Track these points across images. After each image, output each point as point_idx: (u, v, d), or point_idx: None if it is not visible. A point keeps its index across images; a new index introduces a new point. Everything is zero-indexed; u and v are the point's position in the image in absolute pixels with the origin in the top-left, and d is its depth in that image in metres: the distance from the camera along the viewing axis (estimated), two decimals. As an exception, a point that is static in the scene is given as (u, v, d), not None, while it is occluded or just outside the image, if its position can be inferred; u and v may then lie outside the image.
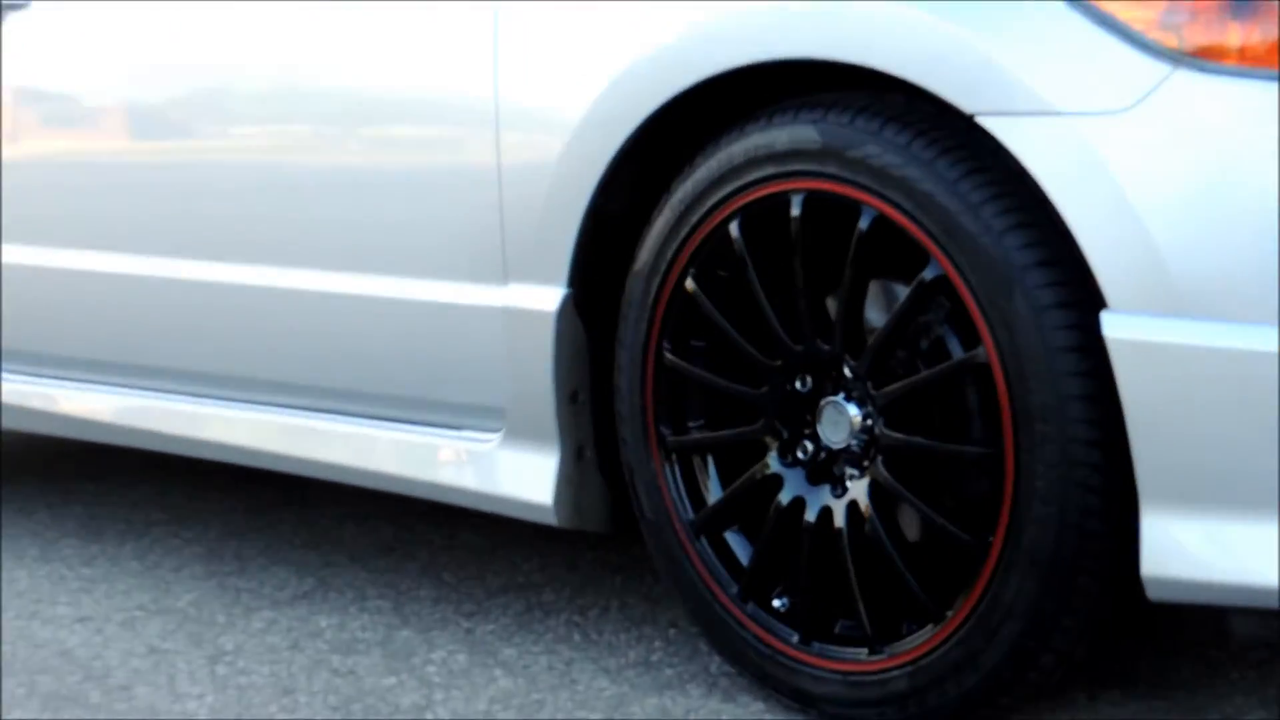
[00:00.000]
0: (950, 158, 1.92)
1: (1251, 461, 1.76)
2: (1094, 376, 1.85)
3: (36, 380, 3.02)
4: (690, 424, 2.23)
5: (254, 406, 2.73)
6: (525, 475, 2.35)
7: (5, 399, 3.04)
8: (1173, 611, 2.40)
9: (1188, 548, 1.81)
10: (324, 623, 2.59)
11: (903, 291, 2.00)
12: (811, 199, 2.03)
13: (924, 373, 2.00)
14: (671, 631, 2.48)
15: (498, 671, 2.36)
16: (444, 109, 2.42)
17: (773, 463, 2.15)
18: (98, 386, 2.95)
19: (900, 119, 1.96)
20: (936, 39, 1.89)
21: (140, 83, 2.81)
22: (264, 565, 2.88)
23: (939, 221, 1.92)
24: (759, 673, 2.17)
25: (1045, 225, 1.87)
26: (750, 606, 2.17)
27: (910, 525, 2.08)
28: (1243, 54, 1.76)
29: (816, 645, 2.11)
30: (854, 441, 2.07)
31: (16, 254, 2.96)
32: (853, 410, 2.07)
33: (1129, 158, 1.79)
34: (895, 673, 2.03)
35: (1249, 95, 1.75)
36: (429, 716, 2.21)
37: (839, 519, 2.09)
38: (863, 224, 1.99)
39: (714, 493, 2.22)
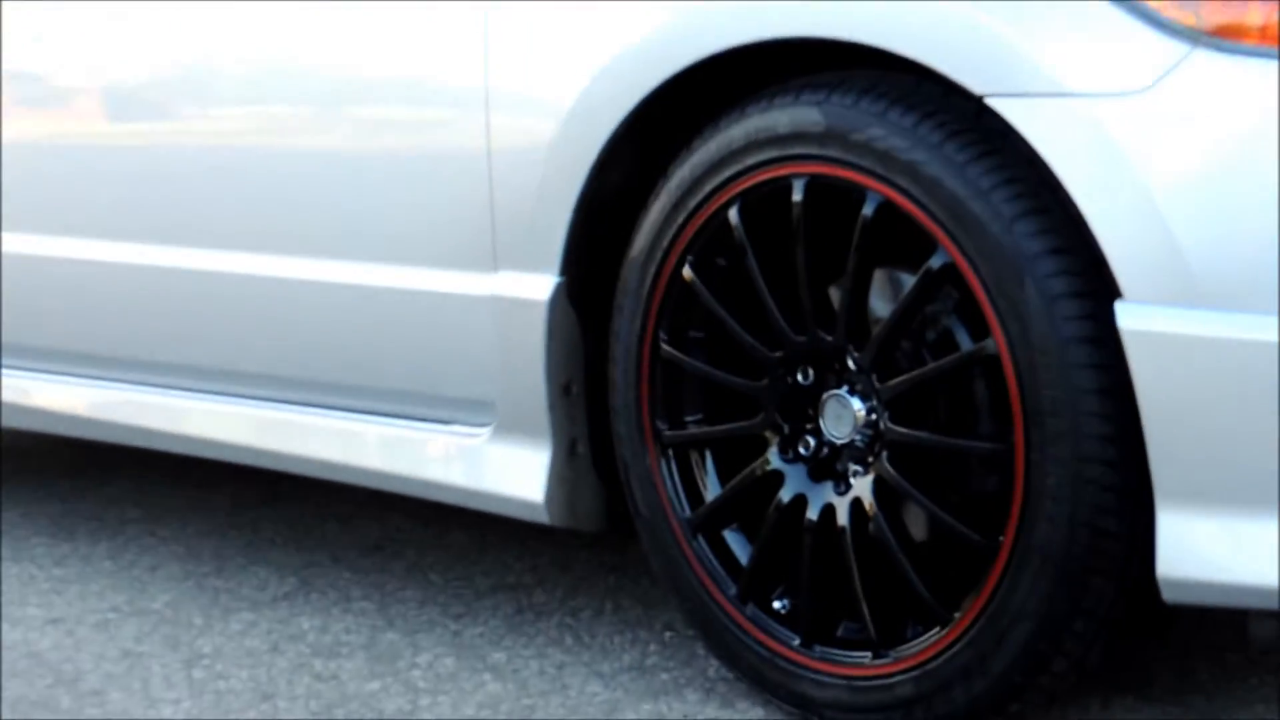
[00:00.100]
0: (959, 141, 1.92)
1: (1272, 459, 1.76)
2: (1108, 369, 1.85)
3: (8, 372, 3.02)
4: (687, 418, 2.23)
5: (234, 399, 2.73)
6: (516, 471, 2.35)
7: (-26, 392, 3.04)
8: (1190, 614, 2.40)
9: (1205, 547, 1.81)
10: (306, 625, 2.59)
11: (909, 280, 2.00)
12: (814, 184, 2.03)
13: (931, 365, 2.00)
14: (667, 634, 2.49)
15: (487, 676, 2.36)
16: (432, 90, 2.42)
17: (773, 459, 2.15)
18: (72, 379, 2.95)
19: (907, 100, 1.96)
20: (945, 16, 1.89)
21: (117, 62, 2.81)
22: (243, 565, 2.88)
23: (947, 207, 1.91)
24: (758, 677, 2.17)
25: (1057, 211, 1.87)
26: (749, 608, 2.17)
27: (916, 524, 2.08)
28: (1264, 33, 1.76)
29: (818, 648, 2.11)
30: (858, 436, 2.07)
31: (-15, 240, 2.96)
32: (857, 404, 2.07)
33: (1145, 141, 1.79)
34: (900, 677, 2.03)
35: (1270, 76, 1.75)
36: (415, 722, 2.22)
37: (842, 517, 2.09)
38: (867, 210, 1.99)
39: (712, 490, 2.21)
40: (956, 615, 1.98)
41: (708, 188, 2.12)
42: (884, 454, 2.04)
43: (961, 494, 2.05)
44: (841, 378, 2.09)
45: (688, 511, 2.22)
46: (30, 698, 2.35)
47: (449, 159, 2.38)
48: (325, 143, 2.56)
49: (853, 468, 2.09)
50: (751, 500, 2.17)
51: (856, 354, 2.05)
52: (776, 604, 2.16)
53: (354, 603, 2.68)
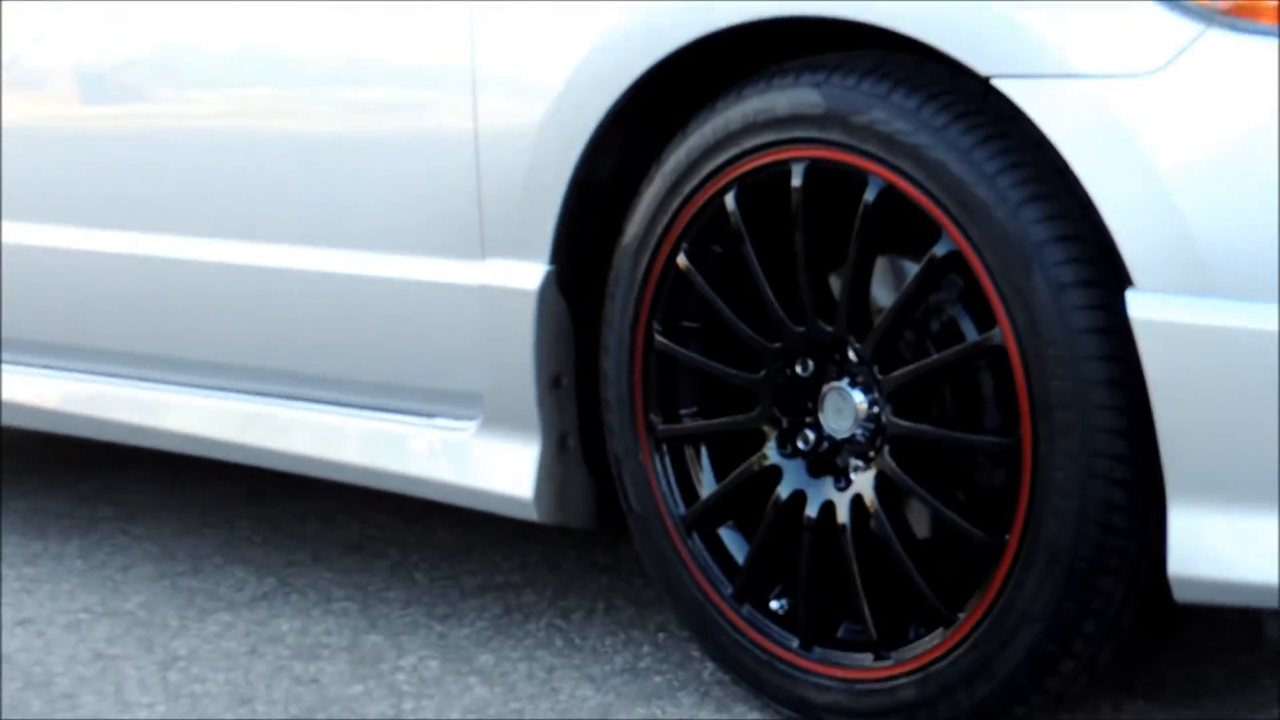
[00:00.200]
0: (964, 124, 1.92)
1: (1288, 453, 1.77)
2: (1118, 360, 1.85)
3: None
4: (682, 411, 2.23)
5: (211, 392, 2.73)
6: (504, 466, 2.35)
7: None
8: (1202, 614, 2.41)
9: (1218, 545, 1.81)
10: (285, 626, 2.59)
11: (912, 269, 2.01)
12: (814, 168, 2.03)
13: (935, 356, 2.00)
14: (661, 636, 2.49)
15: (473, 679, 2.36)
16: (417, 72, 2.42)
17: (771, 453, 2.15)
18: (42, 371, 2.94)
19: (910, 82, 1.96)
20: (950, -5, 1.90)
21: (92, 44, 2.80)
22: (220, 564, 2.88)
23: (951, 193, 1.92)
24: (755, 680, 2.17)
25: (1066, 197, 1.87)
26: (746, 609, 2.17)
27: (919, 521, 2.08)
28: (1280, 12, 1.76)
29: (818, 650, 2.11)
30: (859, 430, 2.07)
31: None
32: (858, 397, 2.07)
33: (1156, 124, 1.79)
34: (903, 680, 2.03)
35: (1287, 57, 1.76)
36: (399, 727, 2.23)
37: (842, 514, 2.09)
38: (869, 195, 1.99)
39: (707, 486, 2.22)
40: (961, 616, 1.98)
41: (704, 172, 2.12)
42: (886, 448, 2.04)
43: (966, 490, 2.05)
44: (842, 369, 2.09)
45: (682, 508, 2.22)
46: (-1, 701, 2.35)
47: (435, 143, 2.37)
48: (307, 127, 2.56)
49: (853, 463, 2.09)
50: (748, 497, 2.18)
51: (858, 345, 2.06)
52: (774, 604, 2.17)
53: (335, 603, 2.67)
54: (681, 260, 2.17)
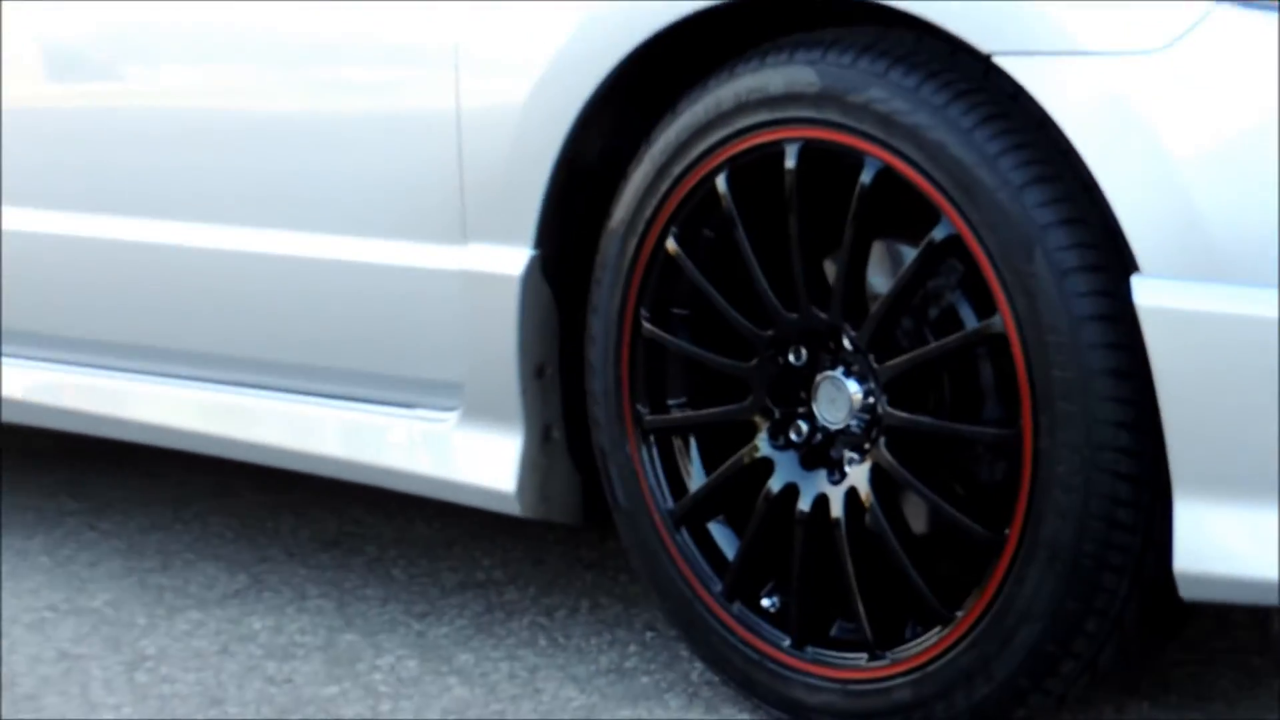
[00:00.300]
0: (964, 103, 1.92)
1: (1298, 445, 1.77)
2: (1123, 349, 1.85)
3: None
4: (670, 402, 2.23)
5: (181, 382, 2.73)
6: (485, 459, 2.35)
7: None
8: (1209, 613, 2.41)
9: (1227, 541, 1.81)
10: (258, 625, 2.58)
11: (910, 253, 2.00)
12: (808, 149, 2.03)
13: (933, 344, 2.00)
14: (648, 635, 2.49)
15: (452, 679, 2.36)
16: (396, 47, 2.41)
17: (762, 445, 2.15)
18: (4, 360, 2.93)
19: (909, 59, 1.96)
20: (950, -31, 1.89)
21: (53, 18, 2.79)
22: (191, 561, 2.88)
23: (951, 175, 1.91)
24: (745, 681, 2.17)
25: (1070, 179, 1.87)
26: (736, 606, 2.17)
27: (916, 516, 2.08)
28: (1292, -13, 1.76)
29: (810, 650, 2.11)
30: (854, 421, 2.07)
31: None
32: (853, 386, 2.07)
33: (1164, 103, 1.79)
34: (898, 681, 2.03)
35: (1299, 34, 1.76)
36: (375, 728, 2.22)
37: (836, 508, 2.09)
38: (865, 177, 1.99)
39: (696, 479, 2.22)
40: (959, 614, 1.98)
41: (694, 153, 2.12)
42: (882, 440, 2.04)
43: (965, 484, 2.05)
44: (837, 358, 2.09)
45: (670, 502, 2.22)
46: (-41, 701, 2.34)
47: (415, 122, 2.37)
48: (281, 106, 2.56)
49: (848, 455, 2.09)
50: (739, 490, 2.18)
51: (853, 333, 2.05)
52: (765, 602, 2.17)
53: (310, 601, 2.67)
54: (671, 245, 2.16)
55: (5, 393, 2.92)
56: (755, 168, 2.09)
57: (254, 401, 2.63)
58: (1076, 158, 1.85)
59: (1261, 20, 1.77)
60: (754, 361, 2.14)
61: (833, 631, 2.12)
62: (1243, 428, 1.79)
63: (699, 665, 2.34)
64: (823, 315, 2.07)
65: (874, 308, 2.02)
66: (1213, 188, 1.78)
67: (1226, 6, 1.78)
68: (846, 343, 2.07)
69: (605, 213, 2.24)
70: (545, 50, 2.22)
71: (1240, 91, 1.77)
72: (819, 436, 2.12)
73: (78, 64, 2.80)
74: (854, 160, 2.00)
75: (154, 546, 2.95)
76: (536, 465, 2.33)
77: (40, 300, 2.85)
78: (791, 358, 2.13)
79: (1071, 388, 1.86)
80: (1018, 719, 2.01)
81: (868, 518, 2.06)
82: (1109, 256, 1.85)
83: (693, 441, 2.23)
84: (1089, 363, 1.85)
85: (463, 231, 2.34)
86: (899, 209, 2.00)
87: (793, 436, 2.13)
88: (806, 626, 2.12)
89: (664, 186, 2.15)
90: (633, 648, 2.45)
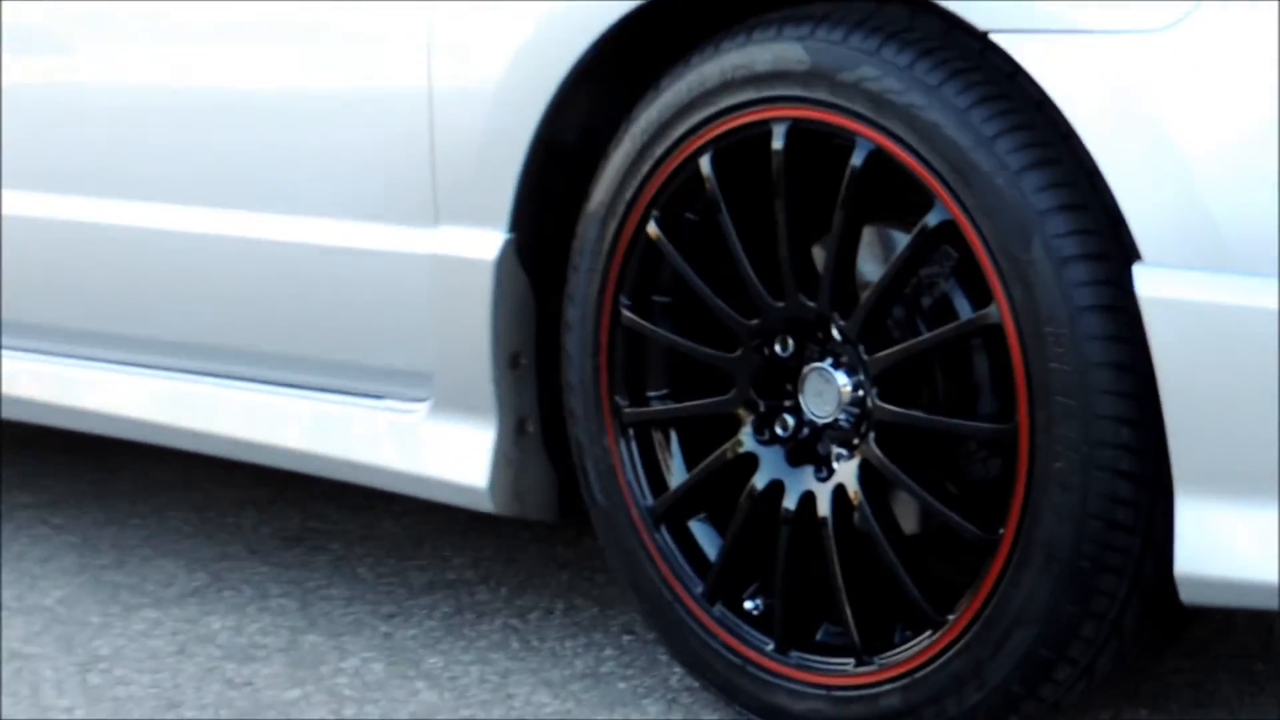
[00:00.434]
0: (960, 82, 1.92)
1: (1306, 443, 1.77)
2: (1124, 341, 1.85)
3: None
4: (651, 394, 2.23)
5: (138, 370, 2.73)
6: (456, 452, 2.35)
7: None
8: (1211, 617, 2.41)
9: (1231, 542, 1.81)
10: (217, 625, 2.58)
11: (902, 239, 2.00)
12: (797, 129, 2.03)
13: (925, 335, 2.00)
14: (625, 638, 2.49)
15: (420, 683, 2.36)
16: (365, 21, 2.40)
17: (747, 440, 2.15)
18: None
19: (902, 36, 1.96)
20: (946, -59, 1.89)
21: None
22: (147, 557, 2.87)
23: (946, 157, 1.91)
24: (726, 686, 2.17)
25: (1070, 164, 1.87)
26: (718, 609, 2.17)
27: (906, 515, 2.09)
28: (1304, -36, 1.76)
29: (795, 655, 2.11)
30: (842, 415, 2.07)
31: None
32: (841, 379, 2.07)
33: (1168, 84, 1.79)
34: (886, 687, 2.03)
35: (1310, 13, 1.76)
36: (339, 734, 2.22)
37: (823, 506, 2.09)
38: (856, 159, 1.99)
39: (677, 475, 2.22)
40: (950, 618, 1.98)
41: (677, 133, 2.12)
42: (871, 435, 2.04)
43: (958, 481, 2.05)
44: (825, 349, 2.09)
45: (650, 499, 2.22)
46: (-98, 703, 2.34)
47: (384, 99, 2.37)
48: (243, 82, 2.55)
49: (836, 451, 2.09)
50: (721, 487, 2.17)
51: (842, 322, 2.05)
52: (748, 604, 2.17)
53: (272, 600, 2.67)
54: (652, 229, 2.16)
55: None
56: (741, 149, 2.09)
57: (215, 391, 2.63)
58: (1077, 140, 1.85)
59: (1270, -2, 1.77)
60: (738, 352, 2.14)
61: (818, 635, 2.12)
62: (1249, 424, 1.79)
63: (678, 670, 2.34)
64: (811, 304, 2.07)
65: (864, 296, 2.02)
66: (1219, 173, 1.78)
67: (1234, -17, 1.78)
68: (835, 333, 2.07)
69: (584, 195, 2.24)
70: (521, 24, 2.21)
71: (1247, 72, 1.77)
72: (806, 431, 2.12)
73: (33, 39, 2.79)
74: (844, 141, 1.99)
75: (109, 542, 2.95)
76: (510, 459, 2.33)
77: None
78: (778, 348, 2.12)
79: (1070, 381, 1.86)
80: (1011, 727, 2.01)
81: (856, 516, 2.06)
82: (1110, 244, 1.85)
83: (674, 435, 2.23)
84: (1088, 355, 1.85)
85: (434, 213, 2.33)
86: (891, 193, 2.00)
87: (778, 431, 2.13)
88: (791, 630, 2.12)
89: (645, 168, 2.15)
90: (609, 651, 2.45)
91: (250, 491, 3.18)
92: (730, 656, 2.15)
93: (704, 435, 2.19)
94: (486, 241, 2.28)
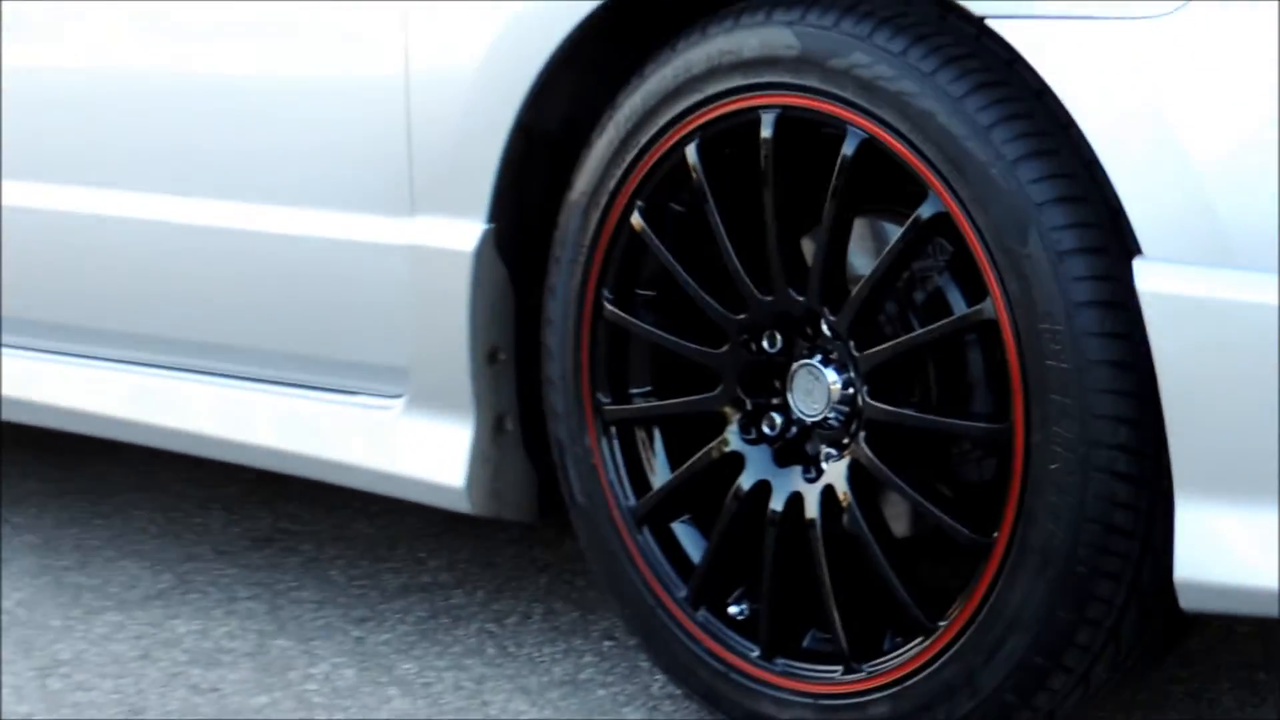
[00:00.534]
0: (955, 69, 1.92)
1: (1311, 445, 1.77)
2: (1123, 338, 1.85)
3: None
4: (634, 391, 2.23)
5: (101, 363, 2.72)
6: (432, 451, 2.35)
7: None
8: (1212, 625, 2.42)
9: (1232, 547, 1.81)
10: (182, 629, 2.58)
11: (894, 232, 2.00)
12: (786, 117, 2.03)
13: (918, 331, 2.00)
14: (606, 644, 2.49)
15: (393, 690, 2.36)
16: (341, 6, 2.40)
17: (733, 439, 2.15)
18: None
19: (895, 21, 1.96)
20: (941, -76, 1.89)
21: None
22: (111, 559, 2.87)
23: (940, 147, 1.91)
24: (710, 694, 2.17)
25: (1068, 154, 1.87)
26: (701, 614, 2.17)
27: (897, 517, 2.09)
28: (1311, -52, 1.76)
29: (781, 662, 2.12)
30: (831, 414, 2.07)
31: None
32: (831, 376, 2.07)
33: (1170, 72, 1.79)
34: (875, 695, 2.03)
35: (1318, -1, 1.76)
36: (308, 742, 2.23)
37: (811, 508, 2.09)
38: (847, 149, 1.99)
39: (660, 475, 2.22)
40: (941, 624, 1.98)
41: (662, 121, 2.12)
42: (861, 435, 2.04)
43: (950, 483, 2.05)
44: (814, 345, 2.10)
45: (632, 500, 2.22)
46: None
47: (360, 86, 2.37)
48: (215, 68, 2.55)
49: (825, 450, 2.09)
50: (706, 488, 2.17)
51: (832, 318, 2.05)
52: (733, 609, 2.17)
53: (240, 603, 2.67)
54: (636, 220, 2.16)
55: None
56: (728, 137, 2.09)
57: (182, 385, 2.63)
58: (1076, 130, 1.85)
59: (1277, -17, 1.77)
60: (725, 348, 2.14)
61: (805, 642, 2.13)
62: (1252, 425, 1.79)
63: (660, 677, 2.34)
64: (800, 298, 2.07)
65: (855, 291, 2.02)
66: (1222, 165, 1.78)
67: (1239, -32, 1.78)
68: (825, 328, 2.07)
69: (565, 184, 2.23)
70: (501, 8, 2.21)
71: (1250, 59, 1.77)
72: (794, 430, 2.12)
73: (12, 26, 2.79)
74: (835, 130, 1.99)
75: (71, 543, 2.95)
76: (488, 458, 2.33)
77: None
78: (765, 344, 2.13)
79: (1067, 379, 1.86)
80: (1004, 737, 2.01)
81: (845, 519, 2.06)
82: (1109, 238, 1.85)
83: (657, 434, 2.23)
84: (1086, 352, 1.85)
85: (410, 203, 2.33)
86: (883, 183, 2.00)
87: (765, 430, 2.13)
88: (777, 636, 2.12)
89: (629, 156, 2.15)
90: (589, 657, 2.45)
91: (218, 490, 3.18)
92: (714, 663, 2.15)
93: (688, 434, 2.19)
94: (465, 232, 2.28)
